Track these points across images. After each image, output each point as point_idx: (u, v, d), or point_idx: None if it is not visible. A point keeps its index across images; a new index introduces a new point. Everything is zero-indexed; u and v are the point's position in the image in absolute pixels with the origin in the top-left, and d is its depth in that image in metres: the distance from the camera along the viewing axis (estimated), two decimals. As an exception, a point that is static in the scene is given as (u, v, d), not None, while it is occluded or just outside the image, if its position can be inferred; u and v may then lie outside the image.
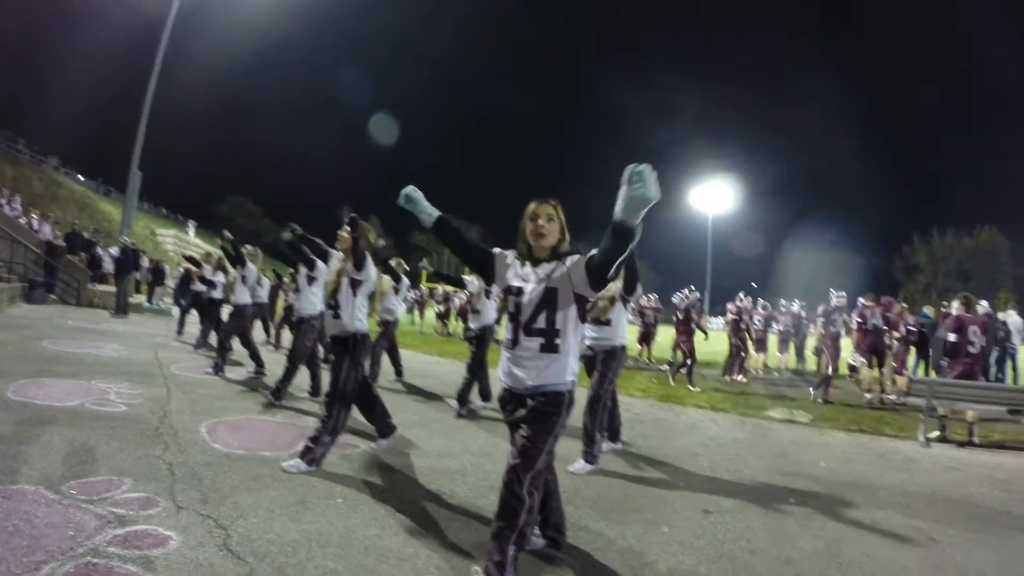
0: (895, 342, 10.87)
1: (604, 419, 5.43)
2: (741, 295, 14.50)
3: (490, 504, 3.25)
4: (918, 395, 7.51)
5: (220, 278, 10.13)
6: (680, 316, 12.03)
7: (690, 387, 10.99)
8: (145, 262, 22.92)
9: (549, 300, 2.84)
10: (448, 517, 3.84)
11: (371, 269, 4.95)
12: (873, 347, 10.54)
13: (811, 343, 15.74)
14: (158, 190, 55.20)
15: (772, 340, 15.95)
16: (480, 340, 7.63)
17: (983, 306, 10.22)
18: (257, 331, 13.46)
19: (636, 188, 2.35)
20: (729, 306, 14.22)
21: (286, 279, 12.51)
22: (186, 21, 25.01)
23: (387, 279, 8.51)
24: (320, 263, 6.41)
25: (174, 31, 23.63)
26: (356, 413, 5.26)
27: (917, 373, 12.00)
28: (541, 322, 2.84)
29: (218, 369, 8.41)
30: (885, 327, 10.69)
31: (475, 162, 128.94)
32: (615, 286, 5.35)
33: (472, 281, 7.84)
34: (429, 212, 3.13)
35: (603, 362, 5.41)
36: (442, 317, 23.82)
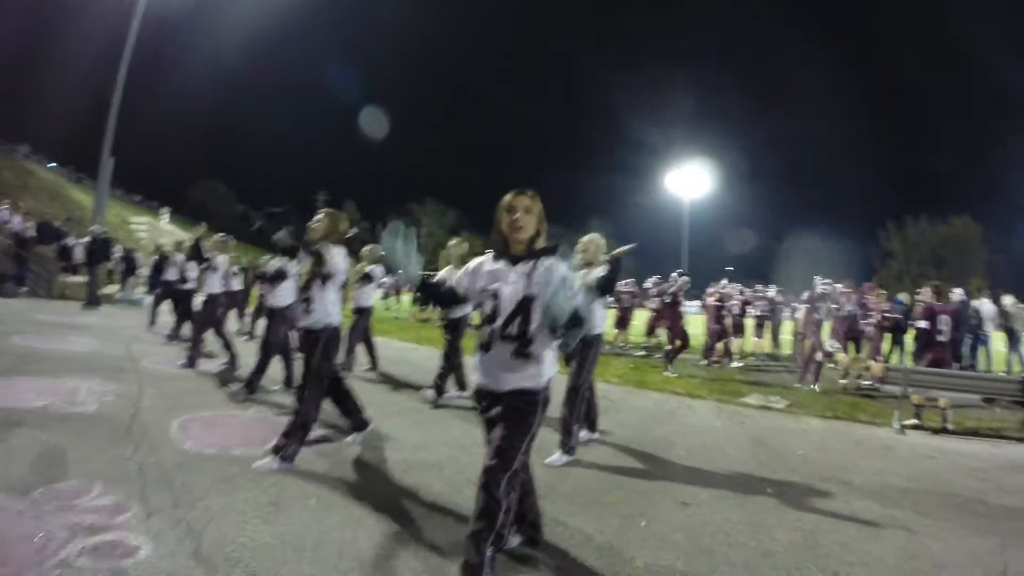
0: (871, 328, 10.95)
1: (582, 410, 5.40)
2: (725, 281, 14.56)
3: (467, 500, 3.22)
4: (893, 383, 7.57)
5: (192, 268, 9.95)
6: (668, 300, 11.95)
7: (667, 372, 11.00)
8: (117, 251, 22.53)
9: (524, 307, 2.78)
10: (424, 515, 3.79)
11: (340, 260, 4.86)
12: (849, 333, 10.62)
13: (787, 328, 15.88)
14: (131, 176, 54.26)
15: (748, 324, 16.02)
16: (455, 327, 7.51)
17: (957, 294, 10.33)
18: (233, 320, 13.37)
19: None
20: (709, 291, 14.24)
21: (260, 266, 12.32)
22: (156, 4, 24.51)
23: (361, 265, 8.44)
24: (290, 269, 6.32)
25: (145, 15, 23.22)
26: (330, 406, 5.21)
27: (891, 360, 12.11)
28: (515, 328, 2.79)
29: (191, 362, 8.28)
30: (862, 313, 10.79)
31: (453, 144, 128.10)
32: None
33: (449, 270, 7.75)
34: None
35: (580, 352, 5.36)
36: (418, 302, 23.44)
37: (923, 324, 7.99)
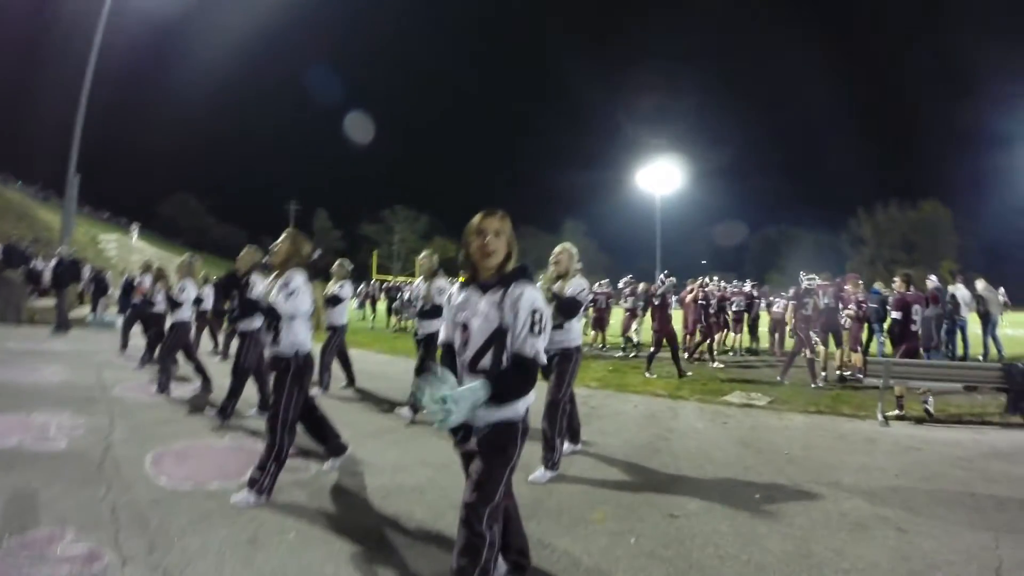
0: (848, 319, 10.97)
1: (564, 424, 5.29)
2: (706, 279, 14.65)
3: (450, 525, 3.11)
4: (874, 375, 7.57)
5: (160, 293, 9.73)
6: (656, 302, 11.81)
7: (647, 374, 10.95)
8: (87, 271, 22.13)
9: (497, 339, 2.62)
10: (407, 544, 3.69)
11: (304, 288, 4.61)
12: (828, 327, 10.64)
13: (764, 321, 15.99)
14: (99, 193, 53.48)
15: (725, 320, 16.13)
16: (428, 343, 7.24)
17: (932, 280, 10.38)
18: (206, 338, 13.17)
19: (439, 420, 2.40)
20: (688, 287, 14.25)
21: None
22: (121, 20, 24.18)
23: (330, 284, 8.36)
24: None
25: (110, 30, 22.87)
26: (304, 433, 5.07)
27: (870, 350, 12.17)
28: (487, 362, 2.64)
29: (163, 388, 8.09)
30: (840, 306, 10.82)
31: (423, 148, 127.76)
32: None
33: (418, 284, 7.63)
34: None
35: (559, 365, 5.25)
36: (396, 312, 23.23)
37: (896, 315, 8.02)
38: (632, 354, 14.55)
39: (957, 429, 7.17)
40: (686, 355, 13.19)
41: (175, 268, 8.91)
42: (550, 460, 5.08)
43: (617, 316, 17.04)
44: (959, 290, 13.15)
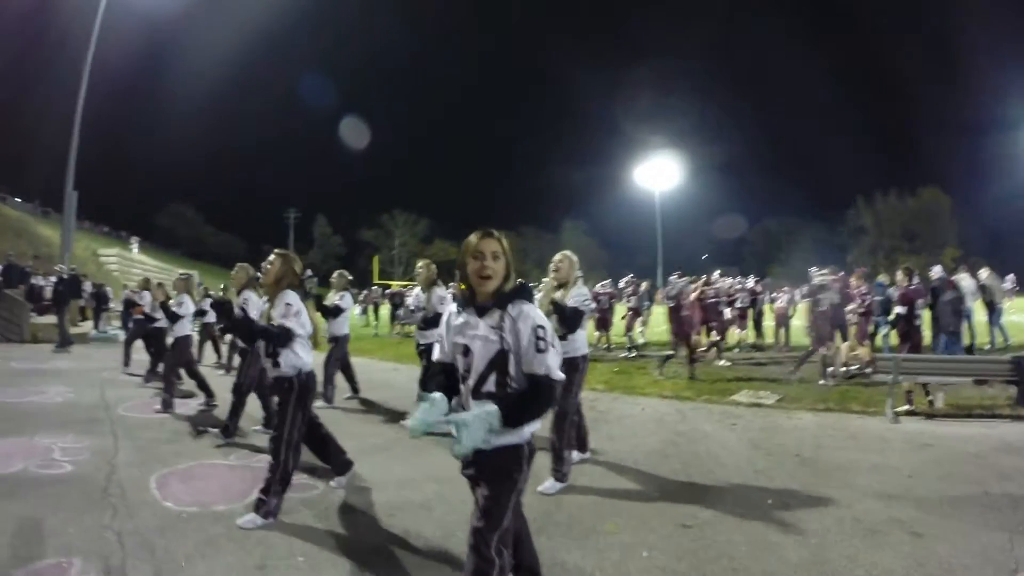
0: (854, 315, 10.92)
1: (572, 435, 5.24)
2: (717, 273, 14.60)
3: (460, 544, 3.06)
4: (883, 371, 7.51)
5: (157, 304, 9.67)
6: (671, 304, 11.66)
7: (658, 375, 10.85)
8: (88, 286, 22.09)
9: (500, 362, 2.54)
10: (417, 564, 3.64)
11: (302, 307, 4.56)
12: (834, 323, 10.57)
13: (768, 316, 15.94)
14: (98, 207, 53.57)
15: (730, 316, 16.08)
16: (430, 352, 7.22)
17: (936, 271, 10.31)
18: (209, 352, 13.14)
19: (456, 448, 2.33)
20: (693, 287, 14.17)
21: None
22: (113, 30, 24.17)
23: (329, 295, 8.36)
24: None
25: (105, 43, 22.87)
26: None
27: (876, 343, 12.12)
28: (491, 385, 2.56)
29: (167, 406, 8.03)
30: (846, 301, 10.77)
31: (420, 151, 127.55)
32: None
33: (418, 293, 7.58)
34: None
35: (566, 374, 5.20)
36: (399, 319, 23.06)
37: (901, 310, 7.98)
38: (634, 355, 14.46)
39: (967, 423, 7.12)
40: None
41: (172, 285, 8.87)
42: (559, 472, 5.01)
43: (619, 315, 16.94)
44: (964, 280, 13.09)
